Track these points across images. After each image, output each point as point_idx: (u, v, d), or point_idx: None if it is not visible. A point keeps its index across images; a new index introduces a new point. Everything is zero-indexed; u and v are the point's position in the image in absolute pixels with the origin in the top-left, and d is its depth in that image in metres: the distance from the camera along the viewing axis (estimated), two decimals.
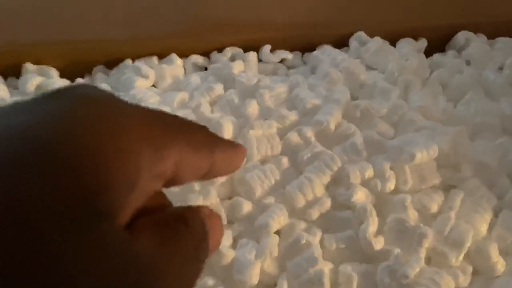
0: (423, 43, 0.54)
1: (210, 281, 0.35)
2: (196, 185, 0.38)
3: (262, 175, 0.39)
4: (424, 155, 0.38)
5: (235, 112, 0.45)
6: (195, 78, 0.49)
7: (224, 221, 0.38)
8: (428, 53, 0.54)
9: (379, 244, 0.35)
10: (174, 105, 0.45)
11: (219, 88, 0.47)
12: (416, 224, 0.36)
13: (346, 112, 0.44)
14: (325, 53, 0.52)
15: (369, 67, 0.51)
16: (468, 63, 0.53)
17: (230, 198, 0.40)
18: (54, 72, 0.51)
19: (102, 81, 0.50)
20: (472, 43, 0.54)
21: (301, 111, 0.44)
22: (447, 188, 0.40)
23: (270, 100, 0.45)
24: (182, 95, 0.46)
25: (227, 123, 0.42)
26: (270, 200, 0.38)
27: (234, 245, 0.37)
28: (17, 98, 0.48)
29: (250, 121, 0.43)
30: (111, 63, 0.53)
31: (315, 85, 0.47)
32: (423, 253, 0.35)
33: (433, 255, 0.35)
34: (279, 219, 0.37)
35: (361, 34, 0.53)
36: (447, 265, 0.35)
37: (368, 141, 0.41)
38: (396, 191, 0.39)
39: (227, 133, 0.42)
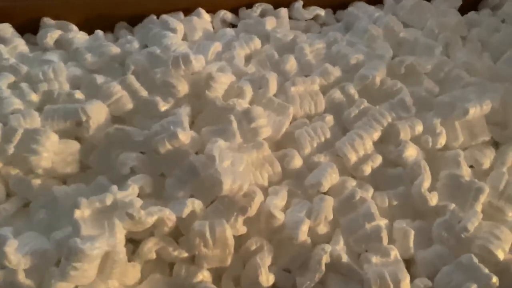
0: (457, 1, 0.53)
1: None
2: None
3: (312, 132, 0.37)
4: (478, 110, 0.37)
5: (275, 68, 0.43)
6: (229, 31, 0.47)
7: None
8: (460, 11, 0.53)
9: (434, 199, 0.34)
10: (209, 56, 0.43)
11: (257, 43, 0.45)
12: (471, 179, 0.35)
13: (390, 69, 0.42)
14: (361, 10, 0.50)
15: (405, 25, 0.49)
16: (503, 21, 0.51)
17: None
18: (73, 26, 0.48)
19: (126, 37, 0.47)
20: (507, 1, 0.52)
21: (343, 67, 0.42)
22: (495, 145, 0.40)
23: (310, 56, 0.43)
24: (217, 46, 0.44)
25: (273, 78, 0.40)
26: (320, 157, 0.37)
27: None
28: (37, 53, 0.45)
29: (290, 77, 0.42)
30: (134, 20, 0.50)
31: (354, 42, 0.46)
32: (479, 208, 0.34)
33: (489, 210, 0.35)
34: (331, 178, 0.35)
35: None
36: (502, 219, 0.34)
37: (415, 98, 0.40)
38: (446, 147, 0.38)
39: (272, 88, 0.40)
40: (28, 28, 0.48)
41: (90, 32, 0.48)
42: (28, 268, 0.29)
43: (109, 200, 0.30)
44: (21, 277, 0.29)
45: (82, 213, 0.30)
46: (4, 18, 0.47)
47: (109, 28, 0.50)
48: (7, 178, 0.36)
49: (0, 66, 0.42)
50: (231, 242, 0.32)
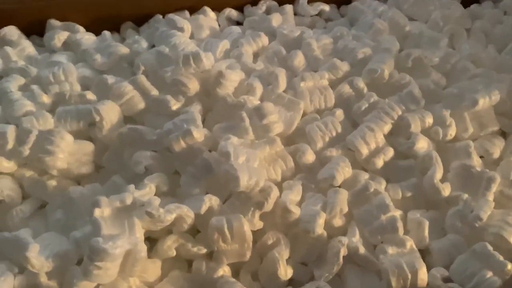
0: None
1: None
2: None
3: (322, 127, 0.38)
4: (486, 101, 0.38)
5: (283, 64, 0.43)
6: (236, 28, 0.47)
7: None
8: (462, 4, 0.53)
9: (446, 190, 0.35)
10: (217, 54, 0.43)
11: (264, 39, 0.45)
12: (482, 169, 0.35)
13: (397, 62, 0.43)
14: (365, 4, 0.50)
15: (409, 18, 0.50)
16: (505, 13, 0.52)
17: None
18: (80, 28, 0.48)
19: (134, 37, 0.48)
20: None
21: (351, 62, 0.43)
22: (502, 135, 0.40)
23: (317, 51, 0.44)
24: (225, 44, 0.44)
25: (282, 74, 0.40)
26: (332, 152, 0.37)
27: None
28: (45, 55, 0.45)
29: (299, 72, 0.42)
30: (139, 20, 0.50)
31: (360, 36, 0.46)
32: (491, 197, 0.34)
33: (500, 198, 0.35)
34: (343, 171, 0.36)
35: None
36: None
37: (423, 90, 0.40)
38: (456, 138, 0.38)
39: (282, 84, 0.40)
40: (34, 30, 0.48)
41: (95, 33, 0.48)
42: (50, 270, 0.29)
43: (129, 200, 0.30)
44: (44, 280, 0.29)
45: (102, 212, 0.30)
46: (9, 20, 0.47)
47: (114, 28, 0.50)
48: (22, 180, 0.36)
49: (9, 69, 0.42)
50: (249, 236, 0.32)
